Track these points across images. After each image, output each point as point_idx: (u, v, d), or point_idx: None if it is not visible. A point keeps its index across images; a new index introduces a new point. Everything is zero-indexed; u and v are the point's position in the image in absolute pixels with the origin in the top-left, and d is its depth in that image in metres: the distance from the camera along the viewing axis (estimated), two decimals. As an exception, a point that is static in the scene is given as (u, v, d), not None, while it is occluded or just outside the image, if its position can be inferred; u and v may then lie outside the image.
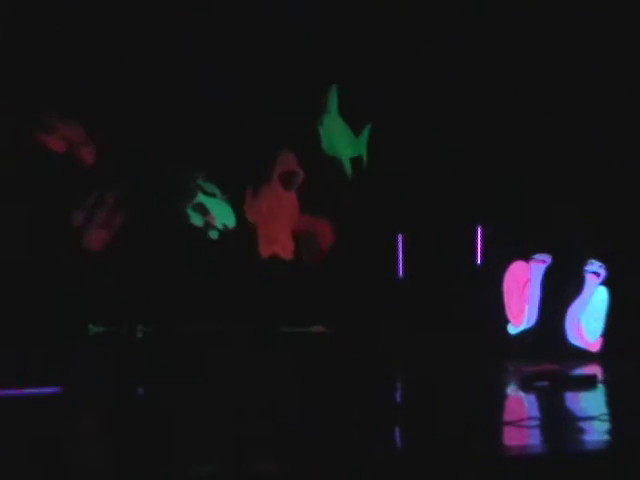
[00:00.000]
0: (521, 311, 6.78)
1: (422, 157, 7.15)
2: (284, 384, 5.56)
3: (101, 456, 3.94)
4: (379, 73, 7.07)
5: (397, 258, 7.34)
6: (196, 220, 7.19)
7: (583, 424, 4.56)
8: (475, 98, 7.09)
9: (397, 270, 7.36)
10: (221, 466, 3.78)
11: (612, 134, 7.00)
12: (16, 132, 6.81)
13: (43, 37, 6.78)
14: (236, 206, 7.16)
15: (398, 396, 5.65)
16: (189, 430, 4.32)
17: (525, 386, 5.54)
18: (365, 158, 7.33)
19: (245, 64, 6.99)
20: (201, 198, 7.17)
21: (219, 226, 7.21)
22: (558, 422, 4.60)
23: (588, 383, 5.57)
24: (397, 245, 7.36)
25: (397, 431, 4.48)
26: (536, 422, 4.49)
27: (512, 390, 5.72)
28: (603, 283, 6.68)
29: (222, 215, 7.23)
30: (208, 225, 7.17)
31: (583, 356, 6.58)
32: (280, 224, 6.78)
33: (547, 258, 6.79)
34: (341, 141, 7.30)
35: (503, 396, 5.65)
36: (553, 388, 5.45)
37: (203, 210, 7.13)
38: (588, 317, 6.66)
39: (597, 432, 4.36)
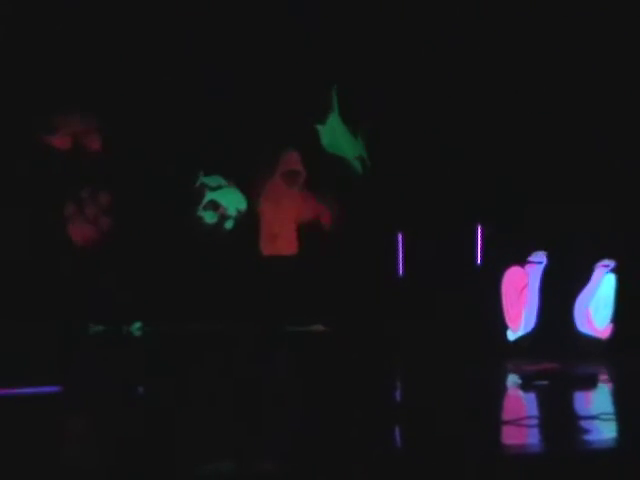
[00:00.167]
0: (518, 316, 6.77)
1: (422, 157, 7.16)
2: (284, 383, 5.56)
3: (101, 455, 3.94)
4: (379, 73, 7.08)
5: (397, 257, 7.34)
6: (209, 218, 7.22)
7: (583, 423, 4.56)
8: (475, 98, 7.09)
9: (397, 269, 7.36)
10: (221, 466, 3.79)
11: (612, 133, 7.01)
12: (21, 133, 6.84)
13: (48, 34, 6.80)
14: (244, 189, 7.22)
15: (398, 395, 5.65)
16: (189, 429, 4.32)
17: (525, 385, 5.54)
18: (366, 158, 7.34)
19: (251, 63, 7.00)
20: (209, 196, 7.21)
21: (233, 214, 7.25)
22: (557, 421, 4.60)
23: (588, 382, 5.56)
24: (397, 244, 7.36)
25: (397, 431, 4.49)
26: (535, 421, 4.48)
27: (512, 389, 5.72)
28: (612, 271, 6.69)
29: (233, 202, 7.27)
30: (222, 217, 7.21)
31: (592, 346, 6.56)
32: (283, 221, 6.77)
33: (543, 258, 6.77)
34: (345, 140, 7.30)
35: (502, 395, 5.65)
36: (553, 387, 5.45)
37: (214, 206, 7.17)
38: (597, 304, 6.67)
39: (597, 431, 4.36)
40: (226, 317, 6.87)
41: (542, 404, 5.25)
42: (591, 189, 6.94)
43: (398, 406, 5.12)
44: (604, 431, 4.36)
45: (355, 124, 7.29)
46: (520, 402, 5.39)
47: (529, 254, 6.82)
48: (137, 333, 7.03)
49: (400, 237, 7.36)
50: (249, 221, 7.14)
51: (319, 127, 7.26)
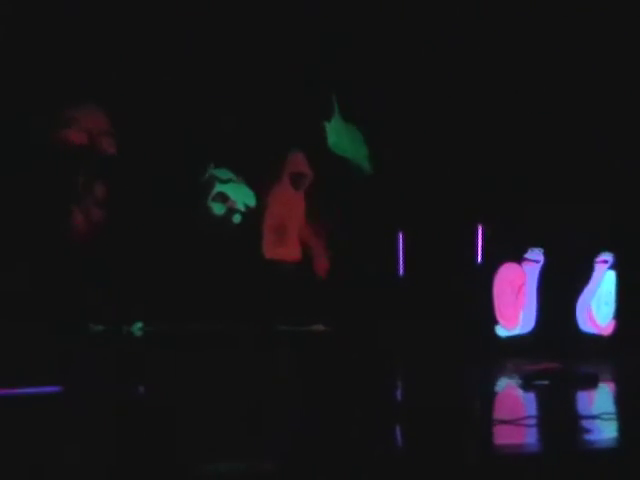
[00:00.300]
0: (515, 315, 6.74)
1: (422, 156, 7.16)
2: (284, 383, 5.55)
3: (101, 456, 3.94)
4: (379, 73, 7.08)
5: (397, 256, 7.34)
6: (218, 209, 7.22)
7: (584, 423, 4.55)
8: (475, 98, 7.09)
9: (398, 268, 7.36)
10: (221, 466, 3.78)
11: (611, 133, 7.00)
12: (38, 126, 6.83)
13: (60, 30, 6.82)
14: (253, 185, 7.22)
15: (398, 395, 5.64)
16: (190, 429, 4.32)
17: (525, 384, 5.54)
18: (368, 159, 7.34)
19: (259, 63, 7.01)
20: (219, 187, 7.20)
21: (241, 208, 7.26)
22: (557, 421, 4.60)
23: (589, 382, 5.56)
24: (397, 243, 7.36)
25: (397, 431, 4.48)
26: (535, 421, 4.48)
27: (512, 389, 5.72)
28: (612, 267, 6.67)
29: (242, 196, 7.28)
30: (230, 210, 7.21)
31: (595, 344, 6.55)
32: (289, 226, 6.76)
33: (540, 256, 6.75)
34: (351, 140, 7.30)
35: (502, 395, 5.64)
36: (554, 386, 5.45)
37: (223, 198, 7.16)
38: (598, 301, 6.65)
39: (599, 431, 4.36)
40: (226, 316, 6.89)
41: (542, 404, 5.25)
42: (590, 187, 6.94)
43: (398, 406, 5.12)
44: (605, 431, 4.36)
45: (359, 122, 7.27)
46: (520, 402, 5.39)
47: (525, 251, 6.79)
48: (138, 333, 7.03)
49: (400, 237, 7.36)
50: (253, 221, 7.16)
51: (326, 125, 7.26)
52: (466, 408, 4.85)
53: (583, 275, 6.76)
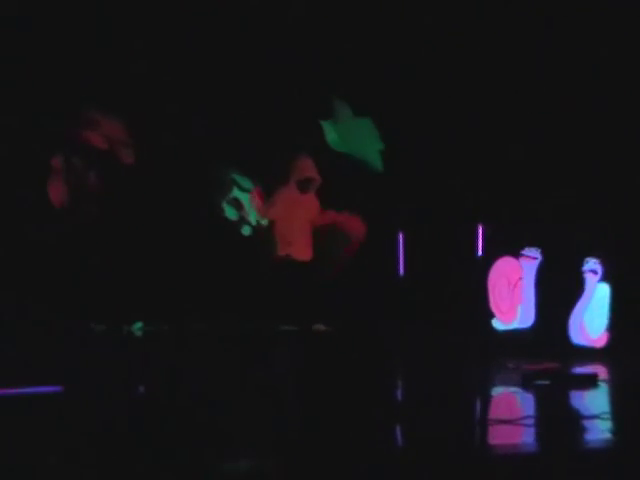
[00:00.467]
0: (511, 308, 6.73)
1: (422, 156, 7.16)
2: (284, 383, 5.56)
3: (102, 455, 3.94)
4: (378, 72, 7.08)
5: (398, 256, 7.34)
6: (230, 214, 7.23)
7: (583, 423, 4.56)
8: (474, 97, 7.09)
9: (398, 268, 7.36)
10: (221, 465, 3.79)
11: (610, 133, 7.00)
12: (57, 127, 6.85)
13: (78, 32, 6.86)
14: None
15: (398, 395, 5.65)
16: (190, 429, 4.32)
17: (525, 384, 5.54)
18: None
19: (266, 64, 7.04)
20: (236, 193, 7.21)
21: (252, 222, 7.27)
22: (557, 421, 4.61)
23: (589, 382, 5.56)
24: (398, 243, 7.36)
25: (397, 430, 4.49)
26: (534, 420, 4.49)
27: (512, 388, 5.72)
28: (602, 279, 6.64)
29: (256, 211, 7.29)
30: (242, 220, 7.22)
31: (587, 354, 6.54)
32: (297, 226, 6.75)
33: (537, 254, 6.74)
34: (362, 136, 7.29)
35: (502, 394, 5.65)
36: (553, 386, 5.45)
37: (238, 205, 7.17)
38: (591, 314, 6.63)
39: (598, 431, 4.36)
40: (226, 316, 6.89)
41: (542, 403, 5.25)
42: (589, 188, 6.95)
43: (398, 405, 5.13)
44: (605, 431, 4.36)
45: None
46: (520, 401, 5.39)
47: (522, 247, 6.77)
48: (138, 333, 7.03)
49: (400, 236, 7.37)
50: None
51: (324, 124, 7.27)
52: (466, 408, 4.86)
53: (580, 280, 6.71)
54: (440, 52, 7.08)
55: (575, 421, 4.68)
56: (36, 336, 6.30)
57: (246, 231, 7.25)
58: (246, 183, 7.29)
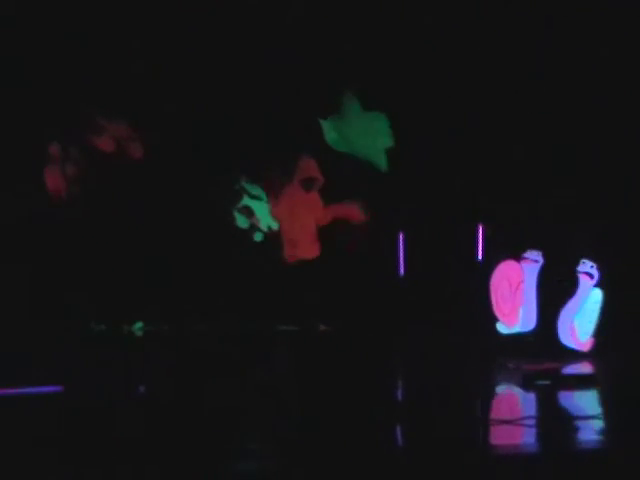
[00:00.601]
0: (513, 311, 6.72)
1: (423, 157, 7.16)
2: (284, 383, 5.56)
3: (102, 455, 3.94)
4: (378, 73, 7.08)
5: (398, 256, 7.34)
6: (241, 222, 7.30)
7: (581, 423, 4.56)
8: (475, 98, 7.09)
9: (398, 268, 7.36)
10: (221, 465, 3.79)
11: (609, 135, 6.99)
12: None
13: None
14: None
15: (398, 395, 5.65)
16: (190, 429, 4.33)
17: (526, 384, 5.54)
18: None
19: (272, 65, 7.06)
20: (247, 201, 7.29)
21: (264, 228, 7.33)
22: (556, 421, 4.61)
23: (589, 382, 5.57)
24: (398, 243, 7.36)
25: (397, 431, 4.49)
26: (534, 421, 4.49)
27: (512, 388, 5.72)
28: (597, 285, 6.63)
29: (267, 217, 7.34)
30: (253, 227, 7.28)
31: (574, 355, 6.54)
32: (301, 225, 6.74)
33: (539, 257, 6.73)
34: (366, 134, 7.30)
35: (502, 394, 5.65)
36: (553, 387, 5.45)
37: (249, 213, 7.24)
38: (582, 318, 6.62)
39: (596, 431, 4.37)
40: (226, 316, 6.90)
41: (542, 404, 5.25)
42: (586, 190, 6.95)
43: (398, 405, 5.13)
44: (601, 431, 4.37)
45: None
46: (520, 402, 5.39)
47: (524, 250, 6.76)
48: (138, 333, 7.04)
49: (401, 236, 7.37)
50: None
51: (323, 123, 7.28)
52: (466, 408, 4.86)
53: (574, 281, 6.70)
54: (440, 54, 7.08)
55: (572, 422, 4.69)
56: (36, 336, 6.30)
57: (258, 237, 7.33)
58: (256, 190, 7.37)
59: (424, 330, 6.82)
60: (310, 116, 7.15)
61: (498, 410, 5.12)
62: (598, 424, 4.46)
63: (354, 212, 7.13)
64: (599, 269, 6.56)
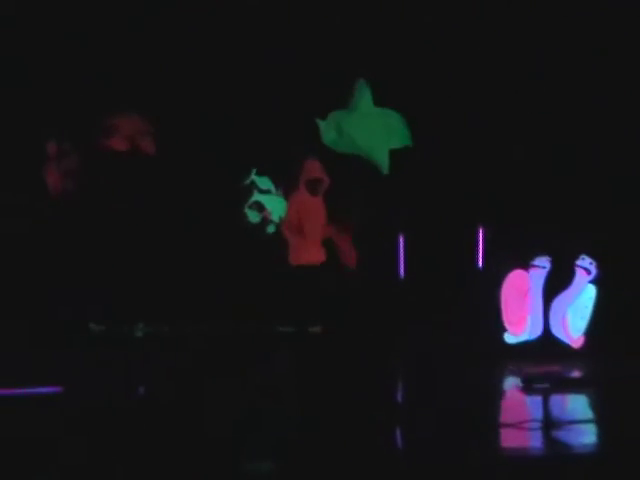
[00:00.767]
0: (522, 319, 6.69)
1: (423, 159, 7.17)
2: (284, 383, 5.57)
3: (102, 455, 3.95)
4: (378, 74, 7.09)
5: (398, 259, 7.35)
6: (253, 217, 7.42)
7: (581, 426, 4.56)
8: (479, 102, 7.10)
9: (399, 271, 7.37)
10: (221, 465, 3.79)
11: (610, 137, 7.00)
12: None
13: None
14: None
15: (399, 396, 5.65)
16: (190, 429, 4.33)
17: (526, 387, 5.54)
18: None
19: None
20: (257, 196, 7.38)
21: (275, 220, 7.42)
22: (557, 424, 4.61)
23: (586, 385, 5.57)
24: (398, 246, 7.37)
25: (397, 431, 4.49)
26: (535, 424, 4.49)
27: (513, 391, 5.72)
28: (593, 282, 6.63)
29: (278, 209, 7.46)
30: (265, 220, 7.38)
31: (565, 353, 6.52)
32: (308, 230, 6.73)
33: (547, 263, 6.71)
34: (372, 133, 7.30)
35: (503, 398, 5.65)
36: (553, 390, 5.45)
37: (259, 207, 7.34)
38: (575, 313, 6.61)
39: (595, 435, 4.37)
40: (226, 316, 6.91)
41: (543, 407, 5.25)
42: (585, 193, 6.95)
43: (399, 406, 5.13)
44: (601, 434, 4.37)
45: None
46: (521, 405, 5.38)
47: (532, 258, 6.75)
48: (139, 334, 7.04)
49: (401, 239, 7.37)
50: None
51: (321, 123, 7.30)
52: (467, 410, 4.86)
53: (571, 273, 6.68)
54: (441, 55, 7.08)
55: (572, 425, 4.69)
56: (36, 336, 6.31)
57: (271, 229, 7.45)
58: (265, 183, 7.47)
59: (424, 331, 6.82)
60: (314, 115, 7.20)
61: (496, 412, 5.12)
62: (594, 427, 4.45)
63: (346, 245, 7.18)
64: (597, 267, 6.57)
